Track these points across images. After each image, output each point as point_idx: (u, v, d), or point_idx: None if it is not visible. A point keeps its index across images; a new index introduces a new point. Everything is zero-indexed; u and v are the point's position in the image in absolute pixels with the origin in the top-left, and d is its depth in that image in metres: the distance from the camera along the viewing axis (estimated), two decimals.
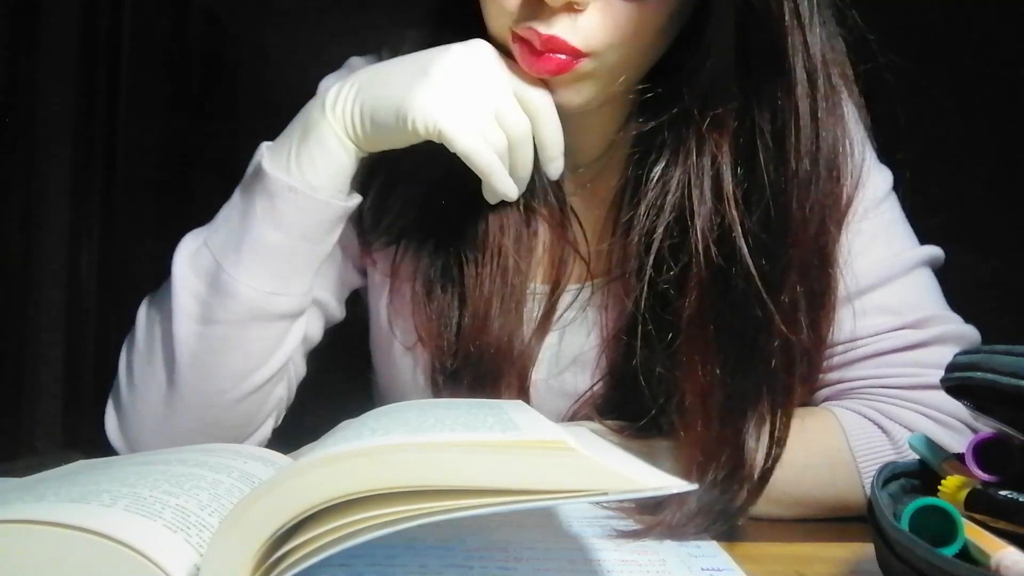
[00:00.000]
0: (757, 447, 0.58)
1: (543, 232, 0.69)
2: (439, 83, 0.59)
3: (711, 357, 0.59)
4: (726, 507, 0.57)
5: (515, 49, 0.60)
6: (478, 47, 0.62)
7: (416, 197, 0.69)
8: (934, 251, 0.70)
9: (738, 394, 0.58)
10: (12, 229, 1.04)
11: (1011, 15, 1.10)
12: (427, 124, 0.59)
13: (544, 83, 0.61)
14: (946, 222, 0.73)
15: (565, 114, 0.65)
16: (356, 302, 0.77)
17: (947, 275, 0.71)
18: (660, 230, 0.62)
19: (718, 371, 0.58)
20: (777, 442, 0.58)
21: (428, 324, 0.68)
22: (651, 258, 0.63)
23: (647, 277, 0.63)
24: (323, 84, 0.74)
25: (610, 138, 0.68)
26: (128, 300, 0.70)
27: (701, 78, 0.59)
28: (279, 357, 0.66)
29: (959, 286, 0.70)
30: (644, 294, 0.63)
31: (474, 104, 0.59)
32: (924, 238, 0.71)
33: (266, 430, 0.69)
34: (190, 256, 0.65)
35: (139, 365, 0.66)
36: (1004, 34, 1.14)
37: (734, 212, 0.58)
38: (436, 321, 0.68)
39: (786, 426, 0.59)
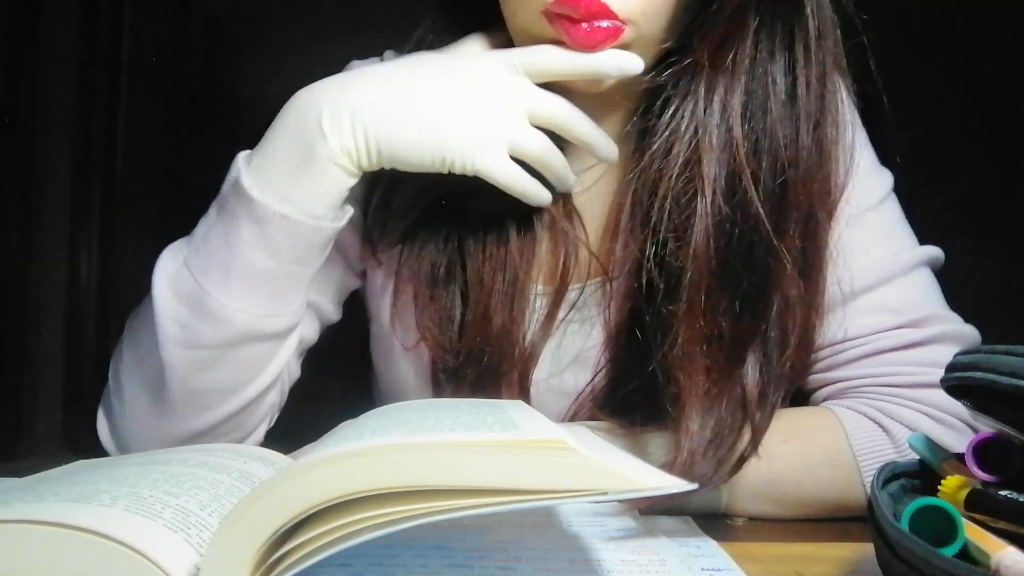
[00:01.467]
0: (757, 394, 0.58)
1: (546, 232, 0.69)
2: (460, 116, 0.59)
3: (713, 303, 0.59)
4: (726, 455, 0.58)
5: (556, 30, 0.59)
6: (485, 63, 0.61)
7: (419, 198, 0.68)
8: (934, 251, 0.70)
9: (739, 340, 0.59)
10: (12, 229, 1.04)
11: (1011, 15, 1.10)
12: (464, 164, 0.60)
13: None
14: (946, 223, 0.73)
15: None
16: (356, 303, 0.77)
17: (947, 275, 0.71)
18: (666, 177, 0.61)
19: (719, 317, 0.59)
20: (774, 389, 0.59)
21: (430, 323, 0.68)
22: (657, 202, 0.62)
23: (652, 224, 0.62)
24: None
25: (617, 135, 0.67)
26: (128, 301, 0.70)
27: (714, 28, 0.59)
28: (271, 371, 0.65)
29: (959, 286, 0.70)
30: (649, 243, 0.63)
31: (499, 132, 0.60)
32: (924, 238, 0.71)
33: (258, 435, 0.69)
34: (170, 279, 0.62)
35: (126, 378, 0.66)
36: (1004, 34, 1.14)
37: (744, 160, 0.58)
38: (438, 319, 0.68)
39: (782, 376, 0.59)
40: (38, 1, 1.04)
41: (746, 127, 0.59)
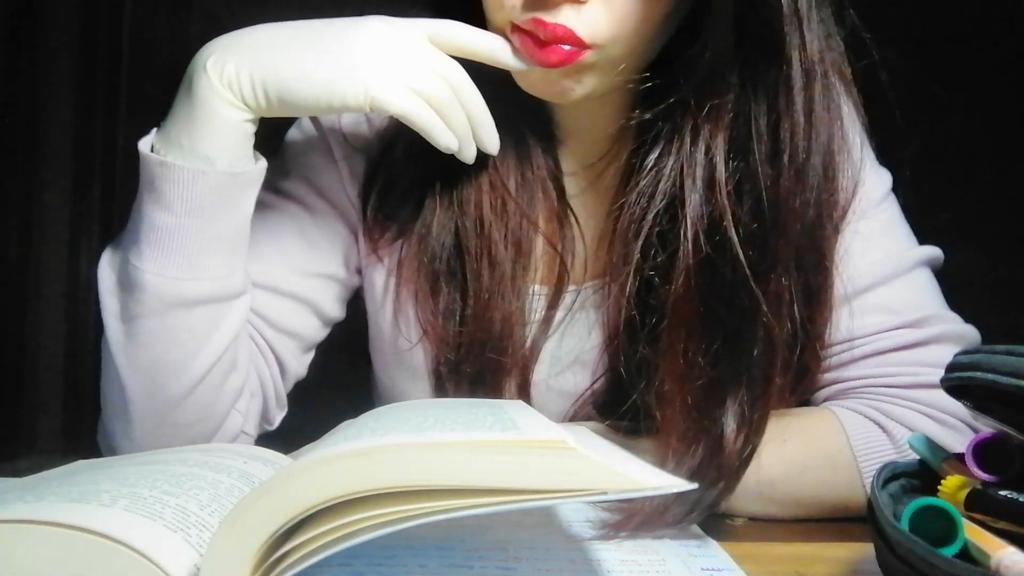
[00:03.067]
0: (736, 437, 0.58)
1: (541, 230, 0.69)
2: (353, 46, 0.59)
3: (693, 343, 0.59)
4: (701, 496, 0.57)
5: (516, 40, 0.60)
6: (374, 24, 0.61)
7: (416, 193, 0.69)
8: (933, 251, 0.70)
9: (718, 382, 0.58)
10: (12, 229, 1.04)
11: (1012, 15, 1.10)
12: (357, 95, 0.59)
13: (541, 73, 0.61)
14: (946, 222, 0.73)
15: (563, 109, 0.65)
16: (356, 303, 0.77)
17: (947, 275, 0.71)
18: (650, 216, 0.62)
19: (700, 358, 0.58)
20: (754, 432, 0.58)
21: (432, 317, 0.68)
22: (639, 243, 0.62)
23: (634, 262, 0.63)
24: None
25: (609, 136, 0.68)
26: None
27: (699, 68, 0.59)
28: (216, 344, 0.63)
29: (959, 286, 0.70)
30: (631, 280, 0.63)
31: (398, 69, 0.60)
32: (924, 238, 0.71)
33: (232, 427, 0.67)
34: (109, 257, 0.64)
35: (103, 377, 0.66)
36: (1005, 33, 1.14)
37: (725, 201, 0.58)
38: (440, 314, 0.68)
39: (763, 418, 0.59)
40: (38, 1, 1.04)
41: (730, 166, 0.59)
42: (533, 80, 0.62)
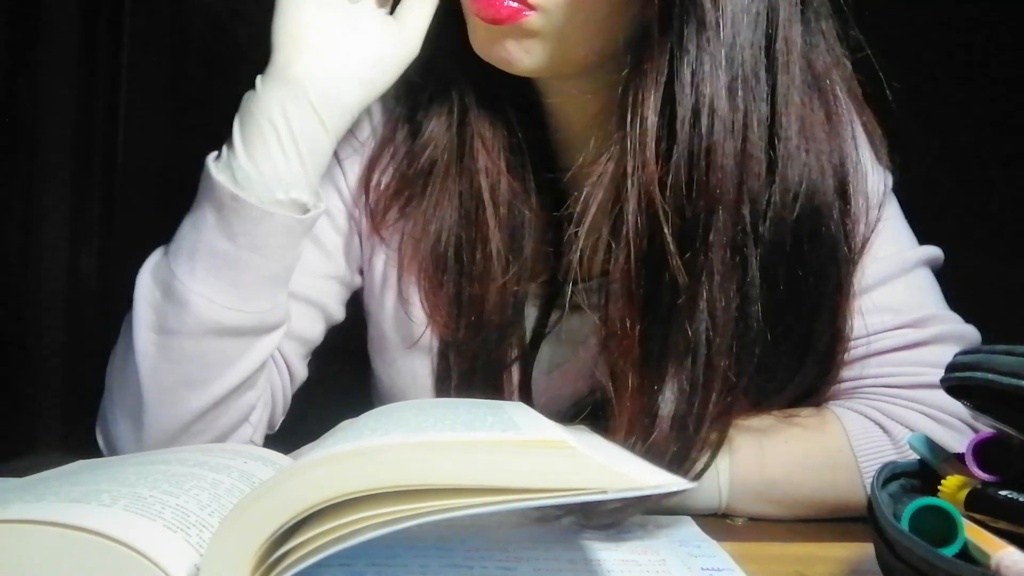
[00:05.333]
0: (672, 424, 0.57)
1: (536, 228, 0.70)
2: None
3: (635, 317, 0.58)
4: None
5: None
6: None
7: (418, 175, 0.69)
8: (934, 251, 0.70)
9: (655, 356, 0.57)
10: (12, 229, 1.04)
11: (1012, 15, 1.10)
12: None
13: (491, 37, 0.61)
14: (946, 222, 0.73)
15: (547, 95, 0.66)
16: (356, 302, 0.77)
17: (947, 275, 0.71)
18: (600, 194, 0.61)
19: (639, 332, 0.58)
20: (695, 420, 0.57)
21: (435, 300, 0.69)
22: (586, 222, 0.61)
23: (580, 241, 0.62)
24: None
25: (599, 129, 0.67)
26: (128, 301, 0.69)
27: (637, 34, 0.59)
28: (242, 369, 0.64)
29: (959, 286, 0.70)
30: (577, 260, 0.62)
31: None
32: (924, 238, 0.71)
33: (242, 437, 0.68)
34: (151, 265, 0.64)
35: (114, 378, 0.66)
36: (1005, 34, 1.14)
37: (654, 167, 0.57)
38: (443, 301, 0.68)
39: (706, 404, 0.57)
40: (38, 1, 1.04)
41: (660, 130, 0.57)
42: (480, 40, 0.63)
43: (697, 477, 0.58)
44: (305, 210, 0.63)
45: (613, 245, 0.60)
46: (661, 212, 0.56)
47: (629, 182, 0.58)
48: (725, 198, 0.56)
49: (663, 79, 0.57)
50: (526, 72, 0.63)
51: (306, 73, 0.62)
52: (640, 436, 0.57)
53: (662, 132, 0.57)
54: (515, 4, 0.59)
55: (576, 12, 0.59)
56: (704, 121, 0.56)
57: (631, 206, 0.58)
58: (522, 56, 0.62)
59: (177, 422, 0.64)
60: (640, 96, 0.58)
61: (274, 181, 0.61)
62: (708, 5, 0.55)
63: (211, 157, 0.63)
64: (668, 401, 0.57)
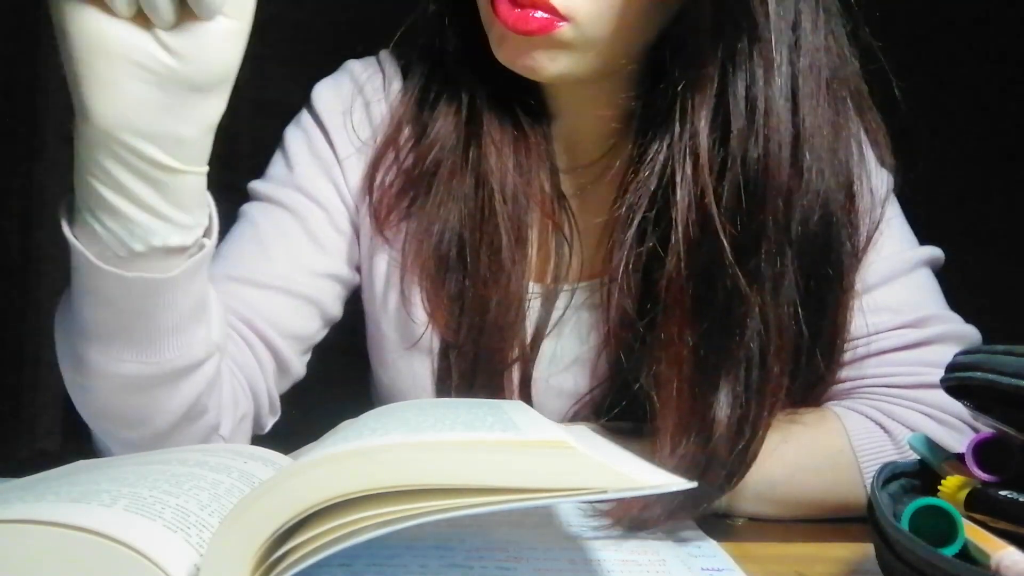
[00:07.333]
0: (728, 423, 0.57)
1: (535, 229, 0.70)
2: None
3: (686, 325, 0.58)
4: (691, 492, 0.57)
5: (491, 7, 0.60)
6: None
7: (422, 175, 0.69)
8: (934, 251, 0.70)
9: (710, 363, 0.57)
10: (12, 229, 1.04)
11: (1012, 15, 1.10)
12: None
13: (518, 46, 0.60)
14: (946, 222, 0.73)
15: (557, 100, 0.65)
16: (355, 302, 0.77)
17: (947, 275, 0.71)
18: (644, 203, 0.61)
19: (691, 339, 0.58)
20: (750, 422, 0.57)
21: (437, 300, 0.68)
22: (631, 232, 0.62)
23: (626, 250, 0.62)
24: (318, 88, 0.74)
25: (607, 132, 0.68)
26: None
27: (682, 46, 0.59)
28: (177, 406, 0.59)
29: (959, 286, 0.70)
30: (630, 278, 0.63)
31: None
32: (925, 238, 0.71)
33: (224, 431, 0.65)
34: (60, 311, 0.58)
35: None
36: (1005, 34, 1.14)
37: (708, 178, 0.57)
38: (446, 301, 0.68)
39: (762, 408, 0.57)
40: (38, 1, 1.04)
41: (713, 144, 0.58)
42: (507, 50, 0.62)
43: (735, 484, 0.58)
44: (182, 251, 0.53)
45: (655, 267, 0.60)
46: (718, 222, 0.57)
47: (679, 192, 0.58)
48: (776, 208, 0.57)
49: (714, 90, 0.57)
50: (550, 79, 0.63)
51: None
52: (698, 441, 0.57)
53: (715, 144, 0.58)
54: (546, 16, 0.58)
55: (608, 23, 0.59)
56: (760, 134, 0.56)
57: (680, 215, 0.58)
58: (548, 64, 0.61)
59: (132, 448, 0.60)
60: (691, 106, 0.58)
61: (126, 234, 0.51)
62: (761, 20, 0.56)
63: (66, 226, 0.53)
64: (724, 406, 0.57)
